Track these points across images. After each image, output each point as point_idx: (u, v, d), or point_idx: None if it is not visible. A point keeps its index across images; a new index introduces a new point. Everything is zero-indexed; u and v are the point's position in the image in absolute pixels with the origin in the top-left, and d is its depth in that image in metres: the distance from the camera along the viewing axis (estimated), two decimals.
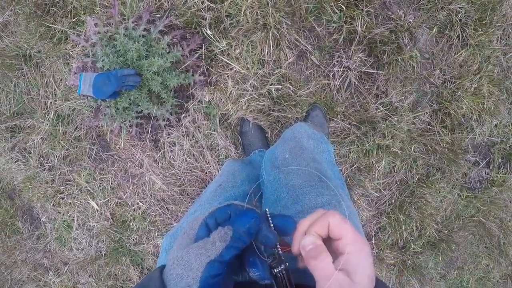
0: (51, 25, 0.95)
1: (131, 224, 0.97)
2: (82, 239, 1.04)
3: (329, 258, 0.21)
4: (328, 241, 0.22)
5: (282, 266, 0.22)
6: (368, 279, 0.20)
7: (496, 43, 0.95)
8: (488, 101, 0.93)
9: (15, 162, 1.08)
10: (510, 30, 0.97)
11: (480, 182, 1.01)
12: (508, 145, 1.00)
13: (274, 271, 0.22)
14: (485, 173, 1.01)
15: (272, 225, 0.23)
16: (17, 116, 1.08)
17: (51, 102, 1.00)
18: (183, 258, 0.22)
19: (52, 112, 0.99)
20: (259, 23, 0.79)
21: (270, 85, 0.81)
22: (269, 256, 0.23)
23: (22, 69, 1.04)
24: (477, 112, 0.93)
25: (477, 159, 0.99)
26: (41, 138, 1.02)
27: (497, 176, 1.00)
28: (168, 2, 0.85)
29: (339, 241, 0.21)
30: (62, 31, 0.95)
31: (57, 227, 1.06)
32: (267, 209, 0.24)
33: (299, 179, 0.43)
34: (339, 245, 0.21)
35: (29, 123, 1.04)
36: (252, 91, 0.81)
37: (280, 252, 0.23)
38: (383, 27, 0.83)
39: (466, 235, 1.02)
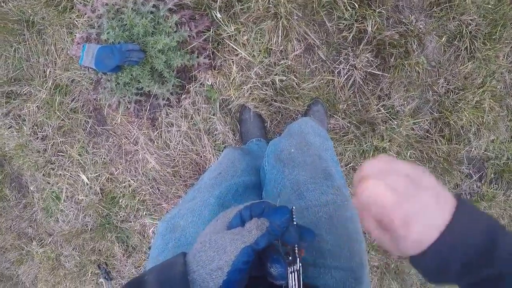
0: None
1: (120, 201, 0.96)
2: (69, 211, 1.03)
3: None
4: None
5: (295, 266, 0.23)
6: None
7: (502, 59, 0.95)
8: (488, 116, 0.94)
9: (8, 128, 1.06)
10: None
11: (470, 195, 1.02)
12: (502, 162, 1.02)
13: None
14: (477, 186, 1.02)
15: (295, 223, 0.24)
16: (15, 82, 1.05)
17: (50, 71, 0.98)
18: (217, 242, 0.22)
19: (51, 81, 0.97)
20: (270, 11, 0.78)
21: (275, 75, 0.80)
22: (284, 254, 0.24)
23: (24, 35, 1.02)
24: (476, 126, 0.94)
25: (471, 171, 1.00)
26: (37, 106, 1.00)
27: (487, 191, 1.01)
28: None
29: None
30: None
31: (45, 197, 1.05)
32: (293, 207, 0.25)
33: (304, 175, 0.43)
34: None
35: (26, 90, 1.02)
36: (256, 79, 0.81)
37: (297, 252, 0.24)
38: (393, 30, 0.83)
39: None
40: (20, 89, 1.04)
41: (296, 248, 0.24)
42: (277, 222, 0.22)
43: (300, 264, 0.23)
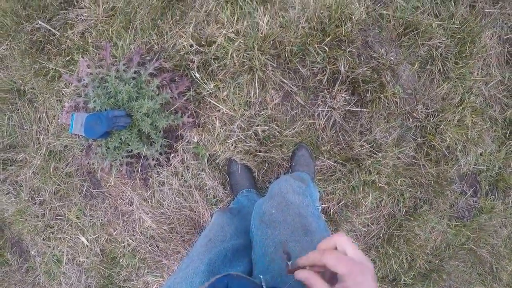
0: (45, 63, 0.97)
1: (120, 260, 0.97)
2: (72, 274, 1.03)
3: (322, 283, 0.26)
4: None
5: None
6: None
7: (477, 74, 0.98)
8: (471, 131, 0.95)
9: (6, 194, 1.08)
10: (490, 60, 1.00)
11: (468, 211, 1.02)
12: (494, 172, 1.02)
13: None
14: (473, 201, 1.02)
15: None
16: (10, 149, 1.09)
17: (43, 138, 1.01)
18: None
19: (44, 148, 1.00)
20: (245, 65, 0.82)
21: (257, 126, 0.83)
22: None
23: (16, 104, 1.06)
24: (462, 143, 0.95)
25: (464, 188, 1.00)
26: (33, 172, 1.03)
27: (485, 203, 1.01)
28: (158, 45, 0.88)
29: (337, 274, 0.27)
30: (55, 69, 0.97)
31: (46, 261, 1.05)
32: (263, 285, 0.26)
33: (285, 235, 0.45)
34: (338, 276, 0.26)
35: (21, 157, 1.05)
36: (239, 132, 0.83)
37: None
38: (365, 67, 0.86)
39: (457, 264, 1.02)
40: (15, 155, 1.07)
41: None
42: None
43: None
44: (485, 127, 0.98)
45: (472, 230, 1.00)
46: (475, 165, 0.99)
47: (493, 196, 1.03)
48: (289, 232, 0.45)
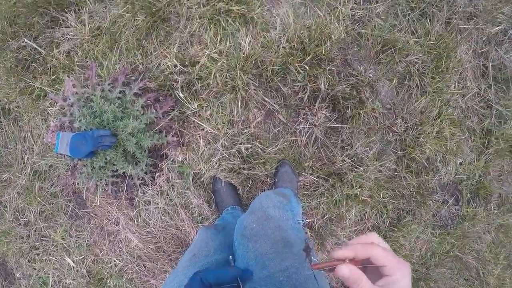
0: (30, 81, 0.98)
1: (108, 281, 0.95)
2: None
3: (367, 281, 0.25)
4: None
5: None
6: None
7: (454, 87, 1.02)
8: (450, 142, 0.99)
9: None
10: (466, 73, 1.05)
11: (451, 219, 1.05)
12: (475, 181, 1.06)
13: None
14: (455, 209, 1.05)
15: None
16: None
17: (28, 157, 1.00)
18: None
19: (29, 168, 1.00)
20: (228, 85, 0.84)
21: (240, 144, 0.85)
22: None
23: (0, 122, 1.05)
24: (441, 154, 0.98)
25: (446, 197, 1.03)
26: (17, 192, 1.02)
27: (467, 211, 1.04)
28: (143, 65, 0.90)
29: (382, 267, 0.26)
30: (41, 88, 0.97)
31: (32, 284, 1.03)
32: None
33: (265, 247, 0.47)
34: (383, 269, 0.25)
35: (5, 176, 1.04)
36: (222, 150, 0.85)
37: None
38: (345, 84, 0.89)
39: (443, 271, 1.04)
40: None
41: None
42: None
43: None
44: (463, 137, 1.02)
45: (456, 237, 1.03)
46: (455, 175, 1.02)
47: (475, 204, 1.06)
48: (269, 245, 0.47)
